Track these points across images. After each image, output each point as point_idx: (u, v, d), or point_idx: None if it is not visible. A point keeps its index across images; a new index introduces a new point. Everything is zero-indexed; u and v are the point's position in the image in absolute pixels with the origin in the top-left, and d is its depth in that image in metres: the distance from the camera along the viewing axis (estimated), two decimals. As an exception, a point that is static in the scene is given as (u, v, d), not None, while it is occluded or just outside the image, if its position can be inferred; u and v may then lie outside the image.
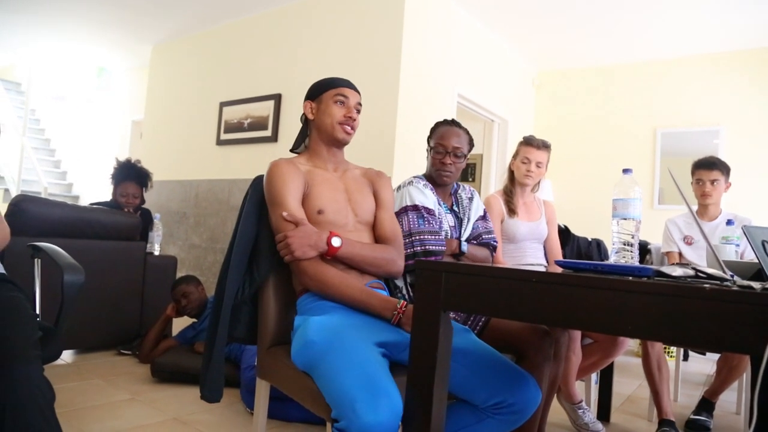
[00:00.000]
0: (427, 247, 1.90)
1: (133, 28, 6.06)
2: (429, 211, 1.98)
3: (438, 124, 2.17)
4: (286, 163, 1.68)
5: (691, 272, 1.07)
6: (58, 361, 3.07)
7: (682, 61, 5.41)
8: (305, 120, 1.81)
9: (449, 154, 2.07)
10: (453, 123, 2.15)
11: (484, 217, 2.25)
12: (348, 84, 1.78)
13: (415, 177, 2.11)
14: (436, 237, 1.94)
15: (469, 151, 2.15)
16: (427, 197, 2.02)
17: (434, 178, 2.12)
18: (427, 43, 4.44)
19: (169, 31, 6.03)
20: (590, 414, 2.55)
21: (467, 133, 2.15)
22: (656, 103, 5.51)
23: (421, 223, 1.93)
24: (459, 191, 2.23)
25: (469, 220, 2.18)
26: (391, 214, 1.82)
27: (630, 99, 5.65)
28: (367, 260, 1.63)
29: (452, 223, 2.11)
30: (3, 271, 1.63)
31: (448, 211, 2.13)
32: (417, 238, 1.91)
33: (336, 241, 1.55)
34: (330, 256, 1.56)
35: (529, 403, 1.44)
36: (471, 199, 2.24)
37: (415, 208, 1.96)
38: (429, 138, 2.17)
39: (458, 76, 4.82)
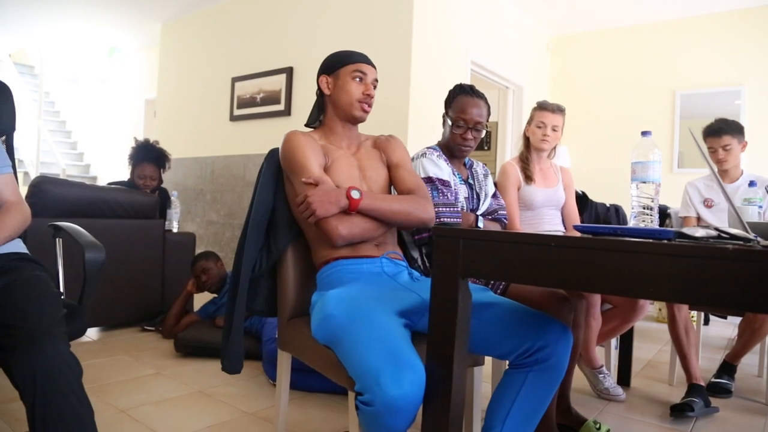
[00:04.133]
0: (442, 219, 1.88)
1: (141, 6, 6.03)
2: (444, 182, 1.96)
3: (457, 92, 2.08)
4: (302, 133, 1.67)
5: (714, 233, 1.06)
6: (85, 339, 3.14)
7: (701, 19, 5.26)
8: (320, 94, 1.78)
9: (470, 130, 2.03)
10: (473, 92, 2.06)
11: (495, 195, 2.24)
12: (366, 59, 1.74)
13: (428, 148, 2.08)
14: (452, 209, 1.92)
15: (488, 119, 2.10)
16: (441, 169, 1.99)
17: (452, 151, 2.08)
18: (438, 11, 4.36)
19: (178, 8, 5.98)
20: (611, 379, 2.56)
21: (486, 101, 2.09)
22: (675, 64, 5.38)
23: (435, 195, 1.91)
24: (474, 166, 2.21)
25: (486, 195, 2.17)
26: (409, 169, 1.78)
27: (647, 61, 5.52)
28: (393, 209, 1.60)
29: (466, 195, 2.10)
30: (26, 251, 1.66)
31: (463, 182, 2.10)
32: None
33: (355, 194, 1.52)
34: (352, 210, 1.53)
35: (559, 343, 1.40)
36: (486, 176, 2.23)
37: (430, 180, 1.94)
38: (447, 107, 2.10)
39: (471, 43, 4.74)
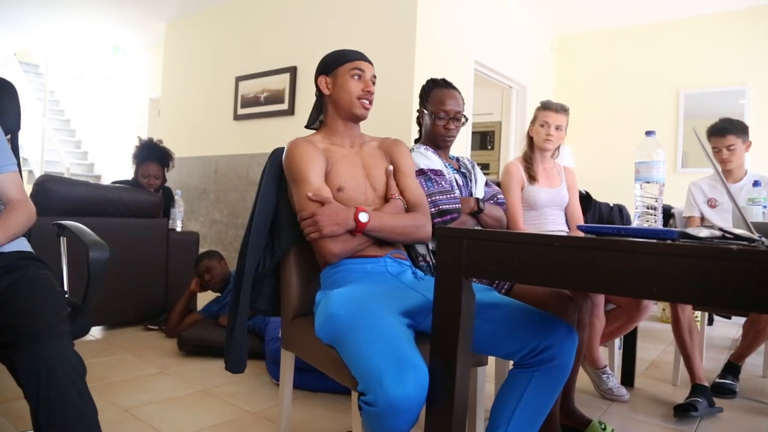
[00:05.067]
0: (440, 206, 1.88)
1: (145, 5, 6.04)
2: (436, 172, 1.97)
3: (431, 87, 2.12)
4: (304, 142, 1.67)
5: (718, 234, 1.05)
6: (88, 337, 3.15)
7: (705, 18, 5.24)
8: (319, 95, 1.78)
9: (452, 120, 2.06)
10: (446, 84, 2.12)
11: (486, 184, 2.24)
12: (362, 56, 1.74)
13: (414, 145, 2.11)
14: (449, 196, 1.93)
15: (463, 109, 2.15)
16: (431, 160, 2.02)
17: (437, 142, 2.10)
18: (442, 10, 4.36)
19: (182, 7, 6.00)
20: (614, 379, 2.55)
21: (459, 93, 2.14)
22: (678, 64, 5.37)
23: (429, 185, 1.92)
24: (462, 159, 2.23)
25: (477, 182, 2.18)
26: (413, 180, 1.79)
27: (651, 60, 5.51)
28: (396, 230, 1.62)
29: (461, 182, 2.11)
30: (31, 250, 1.66)
31: (455, 171, 2.12)
32: (429, 200, 1.89)
33: (363, 217, 1.54)
34: (359, 232, 1.55)
35: (564, 342, 1.39)
36: (473, 166, 2.25)
37: (421, 172, 1.95)
38: (424, 101, 2.13)
39: (475, 42, 4.74)
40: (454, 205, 1.91)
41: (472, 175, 2.18)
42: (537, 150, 2.56)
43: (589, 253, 1.00)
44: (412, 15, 4.12)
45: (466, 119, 2.14)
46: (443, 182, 1.96)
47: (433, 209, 1.86)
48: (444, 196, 1.91)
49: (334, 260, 1.57)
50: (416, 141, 2.19)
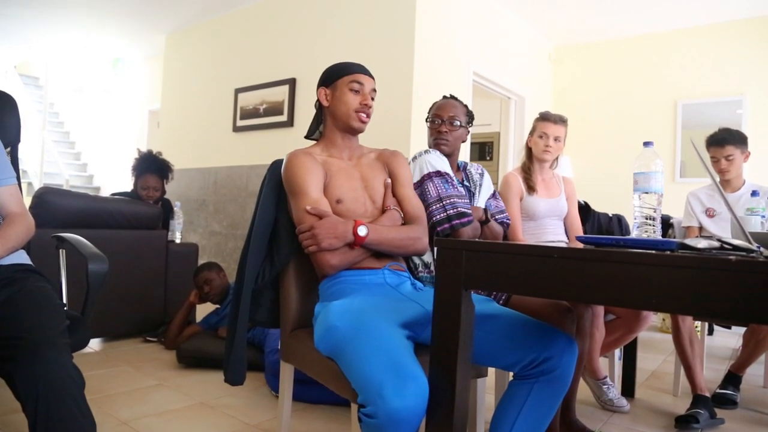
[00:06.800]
0: (459, 209, 1.90)
1: (145, 17, 6.08)
2: (450, 176, 2.01)
3: (435, 102, 2.22)
4: (303, 154, 1.67)
5: (716, 244, 1.05)
6: (87, 349, 3.14)
7: (702, 29, 5.28)
8: (319, 106, 1.79)
9: (444, 122, 2.11)
10: (449, 97, 2.20)
11: (494, 196, 2.25)
12: (363, 70, 1.75)
13: (428, 149, 2.14)
14: (464, 200, 1.96)
15: (468, 123, 2.19)
16: (445, 163, 2.05)
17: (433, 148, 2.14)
18: (441, 22, 4.39)
19: (182, 20, 6.03)
20: (614, 390, 2.54)
21: (464, 106, 2.19)
22: (676, 74, 5.39)
23: (447, 187, 1.95)
24: (468, 167, 2.24)
25: (480, 194, 2.19)
26: (411, 190, 1.79)
27: (649, 71, 5.54)
28: (394, 243, 1.62)
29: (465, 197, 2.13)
30: (30, 262, 1.66)
31: (459, 184, 2.14)
32: (448, 201, 1.91)
33: (362, 230, 1.54)
34: (357, 245, 1.55)
35: (564, 353, 1.39)
36: (481, 175, 2.25)
37: (439, 173, 1.97)
38: (427, 115, 2.22)
39: (473, 54, 4.77)
40: (469, 209, 1.94)
41: (477, 186, 2.20)
42: (536, 161, 2.57)
43: (588, 265, 1.00)
44: (411, 27, 4.14)
45: (463, 126, 2.16)
46: (458, 186, 2.00)
47: (451, 210, 1.89)
48: (461, 200, 1.94)
49: (333, 272, 1.57)
50: None
